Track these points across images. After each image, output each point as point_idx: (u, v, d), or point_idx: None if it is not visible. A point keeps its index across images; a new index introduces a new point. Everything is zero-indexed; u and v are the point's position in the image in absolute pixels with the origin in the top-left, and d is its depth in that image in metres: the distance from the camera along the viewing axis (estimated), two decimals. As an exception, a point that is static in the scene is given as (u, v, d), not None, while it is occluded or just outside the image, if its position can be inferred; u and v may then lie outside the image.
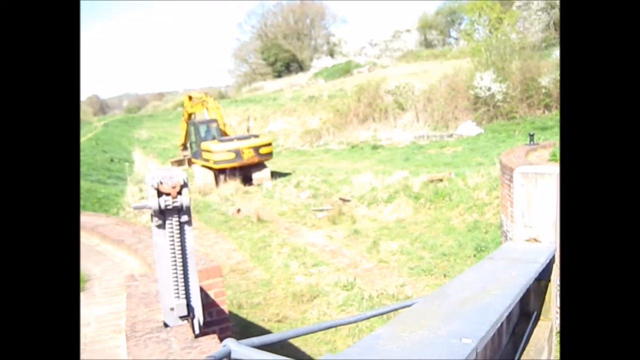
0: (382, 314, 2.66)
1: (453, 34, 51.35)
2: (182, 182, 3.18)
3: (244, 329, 8.19)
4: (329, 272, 10.51)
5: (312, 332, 2.05)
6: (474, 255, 10.51)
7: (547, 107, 25.18)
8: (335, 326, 2.29)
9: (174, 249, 3.21)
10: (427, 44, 51.16)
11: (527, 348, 3.26)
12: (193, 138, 22.32)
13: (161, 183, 3.14)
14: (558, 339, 7.22)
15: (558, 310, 7.32)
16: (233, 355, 1.55)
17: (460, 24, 48.43)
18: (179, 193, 3.17)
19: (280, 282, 10.34)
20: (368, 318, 2.31)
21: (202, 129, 21.72)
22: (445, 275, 9.93)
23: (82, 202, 16.83)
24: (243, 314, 9.04)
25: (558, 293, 4.94)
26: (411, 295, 9.29)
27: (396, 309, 2.42)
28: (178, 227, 3.21)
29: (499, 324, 1.95)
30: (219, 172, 19.66)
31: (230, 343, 1.57)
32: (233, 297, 9.52)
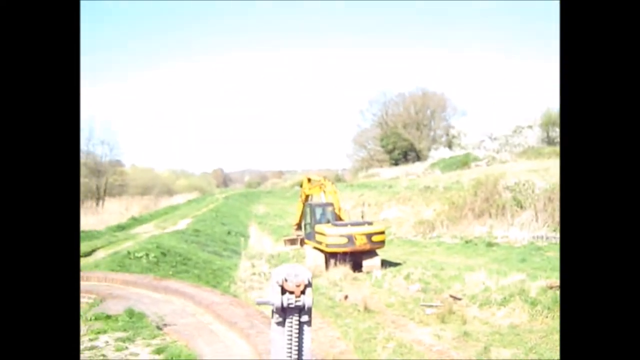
0: None
1: (579, 132, 49.71)
2: (306, 282, 3.23)
3: None
4: (435, 375, 10.05)
5: None
6: (597, 377, 9.66)
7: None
8: None
9: (290, 348, 3.22)
10: (550, 141, 49.75)
11: None
12: (308, 219, 22.76)
13: (286, 280, 3.20)
14: None
15: None
16: None
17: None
18: (303, 292, 3.21)
19: (384, 380, 10.01)
20: None
21: (318, 212, 22.14)
22: (562, 396, 9.16)
23: (197, 272, 17.52)
24: (343, 409, 8.80)
25: None
26: (523, 412, 8.64)
27: None
28: (297, 327, 3.24)
29: None
30: (330, 256, 19.79)
31: None
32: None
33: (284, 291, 3.20)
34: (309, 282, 3.23)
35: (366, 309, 14.53)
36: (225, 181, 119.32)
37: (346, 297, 15.80)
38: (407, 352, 11.30)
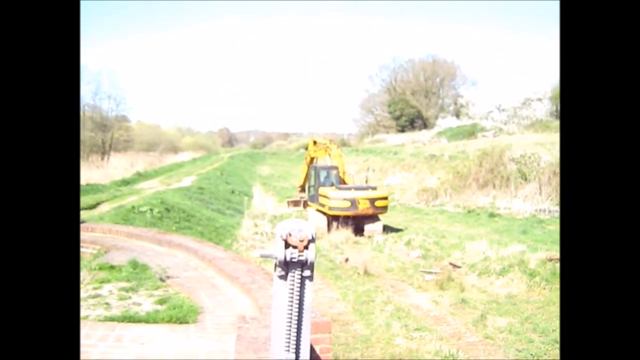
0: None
1: (589, 107, 49.23)
2: (310, 237, 3.26)
3: (339, 384, 8.10)
4: (431, 339, 10.19)
5: None
6: (590, 348, 9.79)
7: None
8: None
9: (292, 302, 3.27)
10: (558, 115, 49.37)
11: None
12: (312, 182, 22.83)
13: (290, 235, 3.23)
14: None
15: None
16: None
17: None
18: (306, 247, 3.24)
19: (379, 341, 10.16)
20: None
21: (322, 174, 22.18)
22: (555, 365, 9.32)
23: (200, 229, 17.66)
24: (339, 367, 8.96)
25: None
26: (516, 379, 8.79)
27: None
28: (299, 281, 3.28)
29: None
30: (332, 219, 19.90)
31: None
32: (331, 349, 9.47)
33: (287, 245, 3.23)
34: (313, 238, 3.26)
35: (366, 272, 14.67)
36: (230, 141, 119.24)
37: (347, 260, 15.94)
38: (405, 316, 11.44)
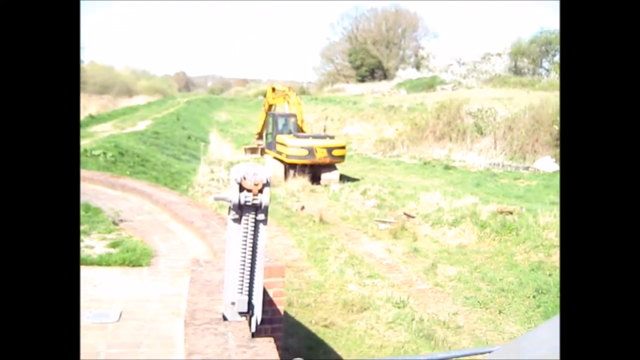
0: (454, 357, 2.60)
1: (545, 64, 49.84)
2: (265, 181, 3.22)
3: (291, 328, 8.23)
4: (383, 286, 10.43)
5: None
6: (534, 297, 10.19)
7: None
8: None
9: (245, 245, 3.25)
10: (517, 71, 49.82)
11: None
12: (270, 129, 22.65)
13: (245, 179, 3.18)
14: None
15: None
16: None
17: (554, 55, 46.97)
18: (261, 191, 3.21)
19: (333, 287, 10.34)
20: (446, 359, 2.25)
21: (281, 122, 22.01)
22: (500, 312, 9.67)
23: (155, 174, 17.41)
24: (292, 312, 9.09)
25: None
26: (462, 325, 9.10)
27: (469, 355, 2.36)
28: (253, 225, 3.26)
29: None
30: (289, 167, 19.87)
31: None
32: (284, 294, 9.58)
33: (242, 189, 3.19)
34: (267, 182, 3.23)
35: (321, 220, 14.79)
36: (187, 85, 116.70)
37: (303, 207, 16.02)
38: (358, 264, 11.65)
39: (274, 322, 4.29)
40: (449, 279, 11.13)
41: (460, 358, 2.52)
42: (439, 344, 8.28)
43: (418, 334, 8.48)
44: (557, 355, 2.05)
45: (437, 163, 26.21)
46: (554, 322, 2.67)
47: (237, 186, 3.18)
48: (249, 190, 3.18)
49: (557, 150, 25.80)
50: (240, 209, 3.22)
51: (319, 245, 12.82)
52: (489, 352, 1.89)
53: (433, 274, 11.35)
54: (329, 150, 19.77)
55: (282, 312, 4.37)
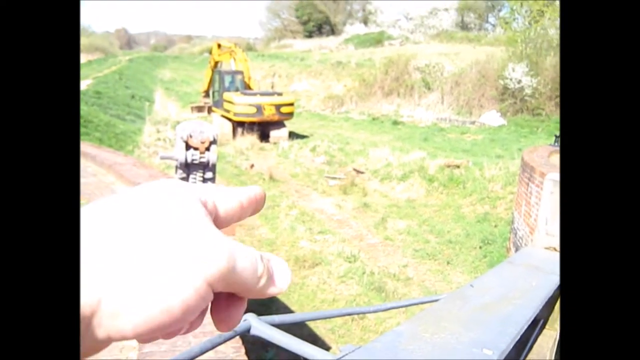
0: (402, 306, 2.63)
1: (491, 19, 50.34)
2: (212, 138, 3.14)
3: (244, 286, 8.24)
4: (334, 241, 10.53)
5: (335, 316, 2.04)
6: (480, 247, 10.49)
7: (575, 108, 24.81)
8: (357, 314, 2.27)
9: (194, 204, 3.19)
10: (463, 26, 50.18)
11: (530, 355, 3.24)
12: (216, 87, 22.22)
13: (191, 136, 3.10)
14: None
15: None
16: (253, 332, 1.53)
17: (500, 10, 47.47)
18: (208, 149, 3.14)
19: (284, 244, 10.38)
20: (388, 309, 2.28)
21: (227, 79, 21.60)
22: (448, 263, 9.92)
23: (99, 135, 16.92)
24: (244, 270, 9.10)
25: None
26: (412, 277, 9.31)
27: (416, 304, 2.40)
28: (201, 184, 3.19)
29: (519, 337, 1.92)
30: (237, 125, 19.62)
31: (251, 319, 1.55)
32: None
33: (188, 147, 3.11)
34: (214, 139, 3.16)
35: (271, 178, 14.75)
36: (129, 43, 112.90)
37: (252, 166, 15.91)
38: (309, 220, 11.71)
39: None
40: (398, 232, 11.32)
41: (409, 307, 2.57)
42: (389, 296, 8.45)
43: (369, 287, 8.64)
44: (500, 302, 2.09)
45: (385, 119, 26.36)
46: (498, 270, 2.74)
47: (184, 144, 3.09)
48: (196, 149, 3.11)
49: (502, 105, 26.31)
50: (188, 167, 3.14)
51: (269, 203, 12.79)
52: (436, 300, 1.91)
53: (383, 228, 11.52)
54: (277, 107, 19.59)
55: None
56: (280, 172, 15.57)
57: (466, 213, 12.49)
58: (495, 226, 11.51)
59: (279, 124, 20.08)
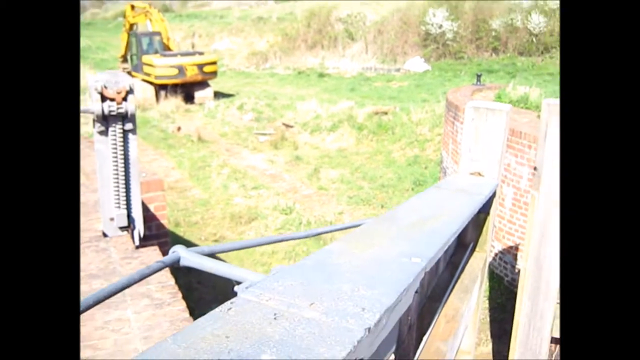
0: (331, 231, 2.67)
1: (408, -34, 50.37)
2: (128, 88, 3.03)
3: (180, 247, 8.16)
4: (268, 195, 10.53)
5: (263, 244, 2.04)
6: (412, 189, 10.74)
7: (495, 50, 25.43)
8: (286, 240, 2.28)
9: (116, 157, 3.10)
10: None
11: (462, 276, 3.37)
12: (134, 50, 21.37)
13: (105, 87, 2.98)
14: (489, 270, 7.55)
15: (492, 244, 7.63)
16: (182, 262, 1.51)
17: (416, -44, 47.53)
18: (124, 99, 3.03)
19: (219, 203, 10.30)
20: (318, 234, 2.31)
21: (145, 42, 20.79)
22: (382, 206, 10.12)
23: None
24: (180, 232, 9.01)
25: (494, 227, 5.13)
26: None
27: (344, 228, 2.43)
28: (122, 135, 3.09)
29: (445, 248, 1.98)
30: (160, 88, 19.03)
31: (180, 250, 1.53)
32: (171, 215, 9.43)
33: (104, 98, 2.99)
34: (131, 89, 3.04)
35: (200, 139, 14.50)
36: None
37: (179, 128, 15.58)
38: (242, 177, 11.63)
39: (160, 237, 4.20)
40: (331, 181, 11.43)
41: (337, 232, 2.60)
42: (327, 243, 8.57)
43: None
44: (427, 220, 2.15)
45: (311, 72, 26.23)
46: (425, 194, 2.81)
47: (99, 96, 2.97)
48: (112, 99, 3.00)
49: (426, 50, 26.63)
50: (105, 120, 3.03)
51: (200, 164, 12.62)
52: (363, 224, 1.94)
53: (316, 179, 11.60)
54: (200, 67, 19.11)
55: (166, 227, 4.29)
56: (208, 133, 15.32)
57: (396, 157, 12.71)
58: (426, 167, 11.79)
59: (203, 85, 19.62)
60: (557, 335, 5.16)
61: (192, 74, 18.87)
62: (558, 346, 5.29)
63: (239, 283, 1.42)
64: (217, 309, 1.18)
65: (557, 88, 11.80)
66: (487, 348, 6.40)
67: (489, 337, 6.56)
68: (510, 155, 7.33)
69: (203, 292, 7.08)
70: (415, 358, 2.43)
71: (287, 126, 15.31)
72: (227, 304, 1.21)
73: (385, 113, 14.79)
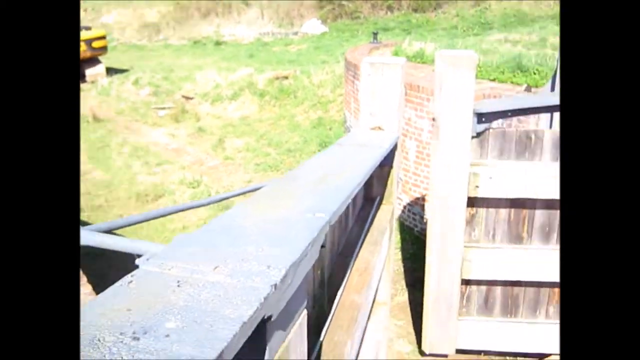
0: (234, 196, 2.64)
1: None
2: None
3: (85, 231, 7.85)
4: (173, 170, 10.30)
5: (165, 215, 1.98)
6: (319, 151, 10.81)
7: (390, 8, 25.78)
8: (188, 209, 2.23)
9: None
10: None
11: (371, 229, 3.45)
12: (14, 29, 20.02)
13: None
14: (398, 222, 7.77)
15: (400, 197, 7.84)
16: (82, 242, 1.44)
17: None
18: None
19: (122, 183, 9.97)
20: (221, 200, 2.27)
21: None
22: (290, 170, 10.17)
23: None
24: (84, 217, 8.65)
25: (399, 180, 5.28)
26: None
27: (248, 192, 2.41)
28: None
29: (349, 201, 2.01)
30: (47, 68, 17.98)
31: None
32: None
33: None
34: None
35: (95, 118, 13.88)
36: None
37: (72, 108, 14.83)
38: (144, 154, 11.29)
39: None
40: (237, 150, 11.32)
41: (239, 197, 2.58)
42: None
43: (217, 207, 8.62)
44: (330, 177, 2.17)
45: (207, 41, 25.63)
46: (327, 152, 2.83)
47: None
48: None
49: (322, 12, 26.62)
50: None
51: (98, 145, 12.11)
52: (264, 186, 1.93)
53: (221, 149, 11.45)
54: (88, 42, 18.15)
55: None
56: (104, 111, 14.68)
57: (300, 121, 12.74)
58: (330, 129, 11.89)
59: (93, 61, 18.68)
60: (466, 277, 5.43)
61: (80, 50, 17.91)
62: (468, 286, 5.58)
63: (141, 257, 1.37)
64: (116, 284, 1.14)
65: (451, 42, 12.16)
66: (404, 297, 6.64)
67: (405, 287, 6.81)
68: (410, 110, 7.52)
69: (117, 277, 6.88)
70: (332, 312, 2.48)
71: (187, 98, 14.93)
72: (128, 277, 1.17)
73: (286, 77, 14.72)
